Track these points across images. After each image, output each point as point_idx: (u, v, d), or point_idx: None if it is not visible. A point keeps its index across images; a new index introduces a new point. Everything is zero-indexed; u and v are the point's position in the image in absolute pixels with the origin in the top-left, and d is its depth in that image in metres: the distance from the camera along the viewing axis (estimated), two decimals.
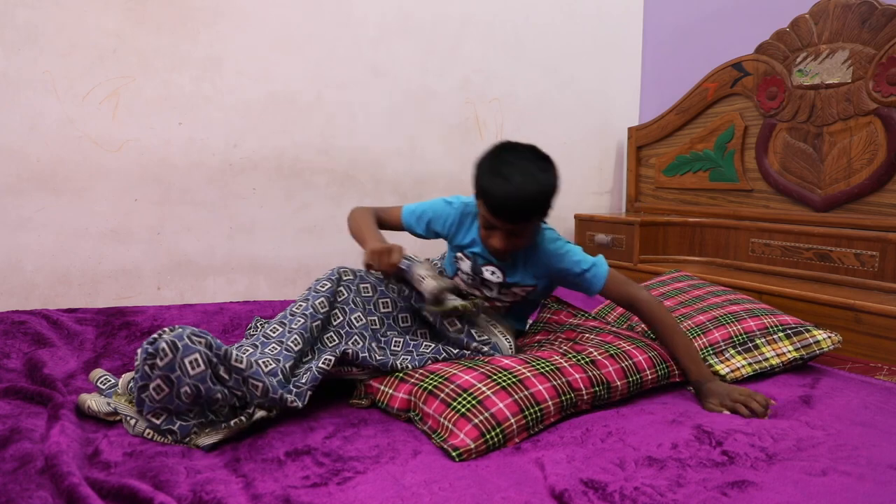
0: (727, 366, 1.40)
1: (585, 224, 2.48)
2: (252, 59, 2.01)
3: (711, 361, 1.41)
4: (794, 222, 1.96)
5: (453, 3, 2.29)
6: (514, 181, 1.23)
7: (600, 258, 1.43)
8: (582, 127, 2.61)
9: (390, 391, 1.17)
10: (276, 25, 2.04)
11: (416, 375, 1.17)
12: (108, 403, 1.10)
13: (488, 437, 1.02)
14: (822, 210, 1.92)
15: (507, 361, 1.18)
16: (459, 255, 1.47)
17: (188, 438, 1.05)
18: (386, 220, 1.52)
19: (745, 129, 2.14)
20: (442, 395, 1.09)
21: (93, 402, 1.10)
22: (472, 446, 1.00)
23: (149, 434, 1.05)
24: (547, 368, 1.17)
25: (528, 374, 1.15)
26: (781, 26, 2.00)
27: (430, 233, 1.51)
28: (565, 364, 1.20)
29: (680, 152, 2.38)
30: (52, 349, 1.46)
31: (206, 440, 1.03)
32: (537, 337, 1.46)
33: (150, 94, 1.90)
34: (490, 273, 1.42)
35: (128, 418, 1.08)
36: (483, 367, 1.16)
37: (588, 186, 2.67)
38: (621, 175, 2.72)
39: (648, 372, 1.29)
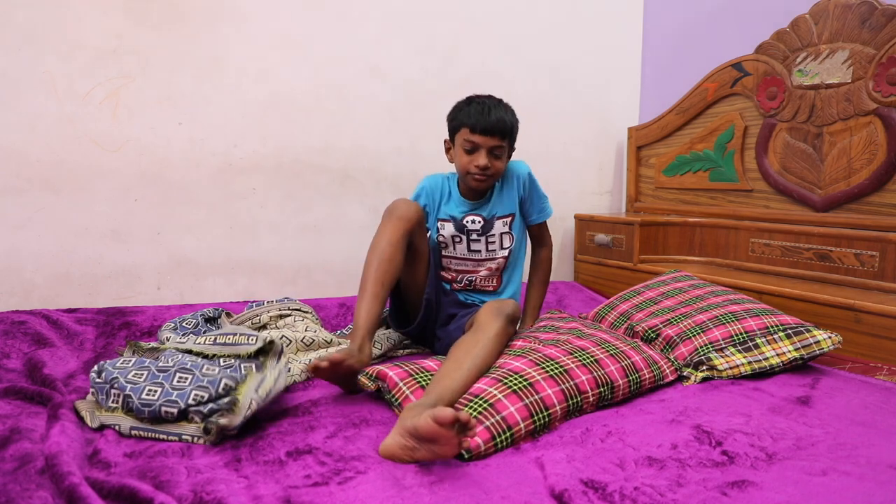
0: (727, 362, 1.40)
1: (585, 224, 2.48)
2: (252, 59, 2.01)
3: (711, 356, 1.41)
4: (794, 222, 1.96)
5: (453, 2, 2.29)
6: (488, 104, 1.52)
7: None
8: (582, 127, 2.61)
9: (407, 391, 1.17)
10: (276, 25, 2.04)
11: None
12: (96, 418, 1.11)
13: (499, 440, 1.03)
14: (822, 210, 1.92)
15: (517, 364, 1.19)
16: (440, 223, 1.64)
17: (212, 413, 1.04)
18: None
19: (745, 129, 2.14)
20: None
21: (86, 414, 1.10)
22: (483, 448, 1.01)
23: (147, 433, 1.06)
24: (556, 371, 1.18)
25: (538, 377, 1.15)
26: (781, 26, 2.00)
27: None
28: (572, 365, 1.21)
29: (680, 152, 2.38)
30: (52, 349, 1.46)
31: (235, 419, 1.03)
32: (541, 335, 1.47)
33: (150, 94, 1.90)
34: (472, 222, 1.61)
35: (116, 426, 1.08)
36: (494, 372, 1.18)
37: (588, 186, 2.67)
38: (621, 175, 2.72)
39: (645, 371, 1.31)
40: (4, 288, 1.79)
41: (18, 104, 1.76)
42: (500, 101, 1.56)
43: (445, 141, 1.64)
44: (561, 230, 2.60)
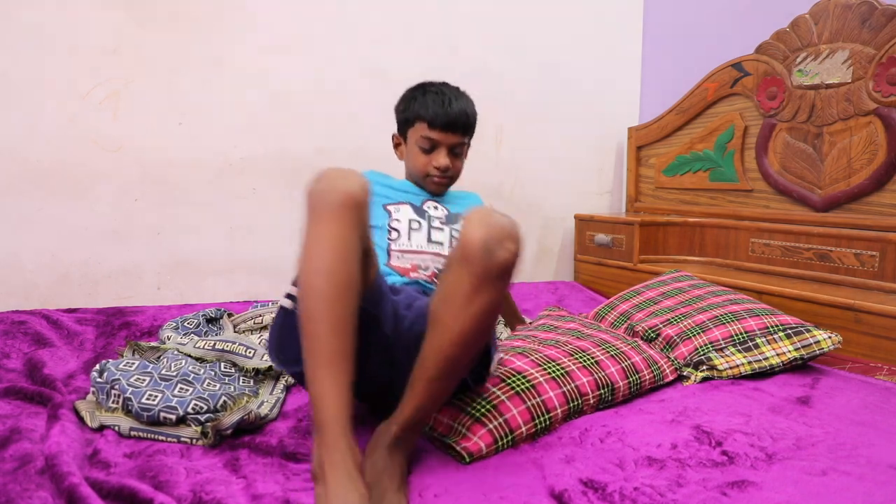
0: (727, 362, 1.40)
1: (585, 224, 2.48)
2: (252, 59, 2.01)
3: (711, 356, 1.41)
4: (794, 222, 1.96)
5: (453, 2, 2.29)
6: (447, 94, 1.31)
7: None
8: (582, 127, 2.61)
9: None
10: (276, 26, 2.04)
11: None
12: (96, 418, 1.11)
13: (500, 443, 1.03)
14: (822, 210, 1.92)
15: (519, 363, 1.19)
16: (391, 208, 1.31)
17: (209, 422, 1.04)
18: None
19: (745, 129, 2.14)
20: (457, 402, 1.10)
21: (86, 413, 1.10)
22: (485, 451, 1.01)
23: (146, 434, 1.06)
24: (557, 372, 1.18)
25: (541, 378, 1.15)
26: (781, 26, 2.00)
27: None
28: (573, 367, 1.21)
29: (680, 152, 2.38)
30: (52, 349, 1.46)
31: (230, 418, 1.04)
32: (539, 334, 1.47)
33: (151, 94, 1.90)
34: (433, 209, 1.34)
35: (115, 426, 1.08)
36: (497, 369, 1.17)
37: (588, 186, 2.67)
38: (621, 175, 2.72)
39: (646, 372, 1.30)
40: (4, 288, 1.79)
41: (18, 104, 1.76)
42: (457, 88, 1.35)
43: (394, 136, 1.42)
44: (561, 230, 2.60)
